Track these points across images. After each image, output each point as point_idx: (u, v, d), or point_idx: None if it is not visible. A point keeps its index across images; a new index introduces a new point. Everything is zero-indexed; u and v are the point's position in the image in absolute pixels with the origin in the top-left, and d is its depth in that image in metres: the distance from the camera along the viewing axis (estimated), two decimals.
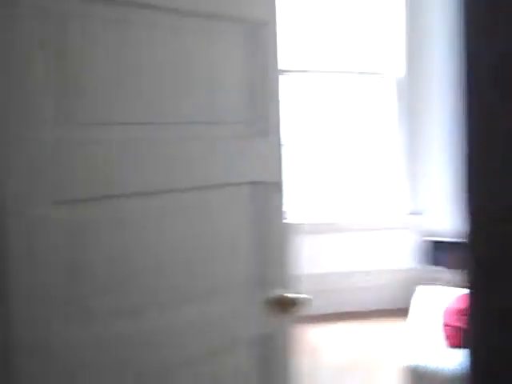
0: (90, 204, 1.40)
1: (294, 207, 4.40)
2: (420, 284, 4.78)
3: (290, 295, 1.79)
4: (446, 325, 3.69)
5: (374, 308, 4.95)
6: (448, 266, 4.90)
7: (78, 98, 1.38)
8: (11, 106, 1.27)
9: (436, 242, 4.92)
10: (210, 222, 1.63)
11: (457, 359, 3.36)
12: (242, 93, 1.68)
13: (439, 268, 4.92)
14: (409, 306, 4.49)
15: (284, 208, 1.82)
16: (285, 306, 1.77)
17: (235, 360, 1.72)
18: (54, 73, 1.33)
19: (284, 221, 1.82)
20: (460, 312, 3.65)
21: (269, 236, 1.77)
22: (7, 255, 1.27)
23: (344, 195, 5.16)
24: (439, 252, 4.91)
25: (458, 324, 3.59)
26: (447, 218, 4.94)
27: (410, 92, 4.87)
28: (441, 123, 4.89)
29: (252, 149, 1.71)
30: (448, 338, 3.59)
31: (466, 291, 3.74)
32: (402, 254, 4.99)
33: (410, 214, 4.97)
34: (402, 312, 4.67)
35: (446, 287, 4.54)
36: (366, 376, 3.91)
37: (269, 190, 1.76)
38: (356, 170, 5.15)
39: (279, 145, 1.80)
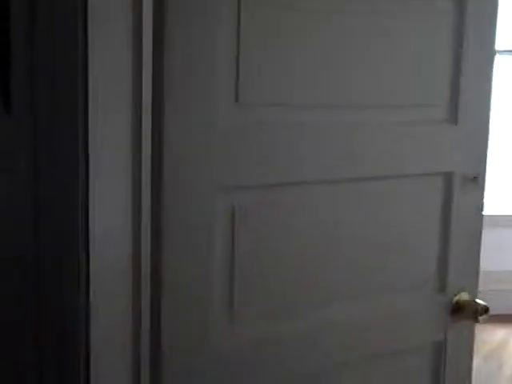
0: (262, 191, 1.29)
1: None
2: None
3: (475, 301, 1.66)
4: None
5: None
6: None
7: (250, 79, 1.26)
8: (189, 83, 1.18)
9: None
10: (396, 216, 1.50)
11: None
12: (443, 73, 1.54)
13: None
14: None
15: (482, 206, 1.68)
16: (468, 312, 1.65)
17: (405, 365, 1.59)
18: (230, 51, 1.23)
19: (480, 221, 1.69)
20: None
21: (459, 235, 1.63)
22: (165, 247, 1.19)
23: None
24: None
25: None
26: None
27: None
28: None
29: (445, 136, 1.57)
30: None
31: None
32: None
33: None
34: None
35: None
36: None
37: (466, 183, 1.62)
38: None
39: (482, 133, 1.65)
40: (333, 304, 1.44)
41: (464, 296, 1.67)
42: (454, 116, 1.58)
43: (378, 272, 1.51)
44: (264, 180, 1.29)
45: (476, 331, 1.71)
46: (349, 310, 1.47)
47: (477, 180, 1.66)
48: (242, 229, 1.28)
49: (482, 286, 1.74)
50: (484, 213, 1.71)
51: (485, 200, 1.71)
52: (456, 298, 1.66)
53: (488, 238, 4.29)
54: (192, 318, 1.23)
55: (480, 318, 1.64)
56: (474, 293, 1.68)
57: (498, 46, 1.67)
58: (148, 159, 1.17)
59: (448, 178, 1.60)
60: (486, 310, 1.64)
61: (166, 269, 1.19)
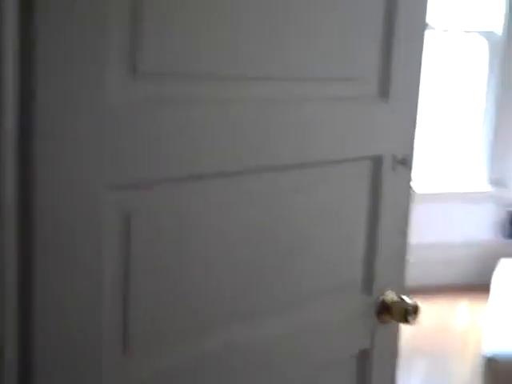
0: (164, 188, 1.02)
1: None
2: (502, 258, 4.41)
3: (403, 300, 1.47)
4: None
5: (452, 282, 4.59)
6: None
7: (152, 42, 0.97)
8: (68, 52, 0.87)
9: None
10: (316, 211, 1.27)
11: None
12: (373, 44, 1.32)
13: None
14: (490, 281, 4.13)
15: (411, 192, 1.48)
16: (396, 313, 1.46)
17: (326, 380, 1.40)
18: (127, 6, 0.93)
19: (409, 208, 1.49)
20: None
21: (387, 226, 1.43)
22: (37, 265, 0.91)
23: (424, 161, 4.76)
24: None
25: None
26: None
27: (505, 53, 4.39)
28: None
29: (375, 114, 1.35)
30: None
31: None
32: (484, 226, 4.60)
33: (493, 183, 4.55)
34: (482, 288, 4.32)
35: None
36: (438, 359, 3.60)
37: (395, 167, 1.40)
38: (438, 133, 4.71)
39: (411, 111, 1.44)
40: (244, 321, 1.19)
41: (391, 295, 1.47)
42: (385, 92, 1.36)
43: (294, 278, 1.28)
44: (168, 174, 1.01)
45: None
46: (261, 327, 1.23)
47: (406, 162, 1.45)
48: (140, 236, 0.99)
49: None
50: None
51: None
52: (382, 298, 1.46)
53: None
54: (74, 352, 0.94)
55: (410, 318, 1.44)
56: (402, 290, 1.48)
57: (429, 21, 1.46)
58: (10, 148, 0.86)
59: (377, 162, 1.39)
60: (415, 309, 1.45)
61: (39, 291, 0.90)
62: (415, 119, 1.48)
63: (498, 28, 4.38)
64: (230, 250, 1.14)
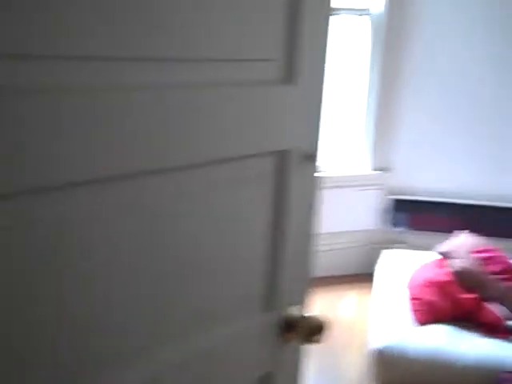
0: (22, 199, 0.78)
1: None
2: (386, 247, 4.39)
3: (309, 317, 1.28)
4: (413, 298, 3.28)
5: (336, 273, 4.53)
6: (413, 227, 4.50)
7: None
8: None
9: (400, 201, 4.48)
10: (211, 218, 1.07)
11: (428, 339, 2.98)
12: (276, 19, 1.10)
13: (403, 229, 4.52)
14: (374, 271, 4.09)
15: (317, 191, 1.29)
16: (300, 332, 1.27)
17: None
18: None
19: (314, 212, 1.30)
20: (429, 283, 3.24)
21: (293, 230, 1.23)
22: None
23: None
24: (404, 212, 4.49)
25: (426, 297, 3.19)
26: (418, 174, 4.53)
27: (388, 32, 4.31)
28: (421, 69, 4.39)
29: (279, 101, 1.14)
30: (416, 313, 3.18)
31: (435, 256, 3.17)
32: (367, 214, 4.54)
33: (377, 169, 4.50)
34: (367, 278, 4.28)
35: (413, 251, 4.16)
36: (327, 354, 3.50)
37: (302, 162, 1.20)
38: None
39: (317, 98, 1.24)
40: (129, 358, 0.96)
41: (295, 311, 1.28)
42: (291, 75, 1.15)
43: (186, 301, 1.07)
44: (25, 184, 0.75)
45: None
46: (148, 362, 0.99)
47: (314, 158, 1.26)
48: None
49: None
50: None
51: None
52: (285, 315, 1.26)
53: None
54: None
55: (315, 338, 1.26)
56: (306, 306, 1.29)
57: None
58: None
59: (283, 158, 1.18)
60: (320, 327, 1.26)
61: None
62: (320, 107, 1.28)
63: (380, 7, 4.29)
64: (107, 272, 0.90)
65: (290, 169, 1.19)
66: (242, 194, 1.12)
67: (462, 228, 4.19)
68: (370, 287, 3.99)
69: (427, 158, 4.49)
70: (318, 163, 1.30)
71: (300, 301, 1.30)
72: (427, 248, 4.12)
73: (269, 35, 1.10)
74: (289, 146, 1.18)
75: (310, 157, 1.23)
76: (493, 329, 3.05)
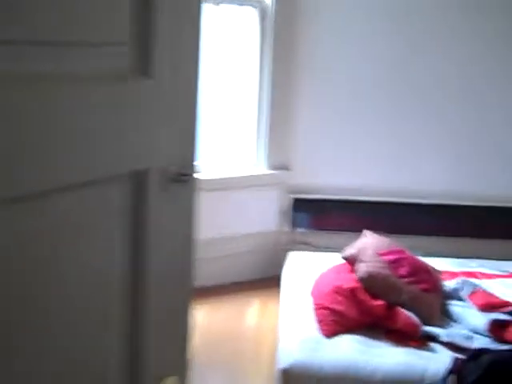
0: None
1: None
2: (290, 249, 4.13)
3: None
4: (318, 307, 3.02)
5: (239, 279, 4.23)
6: (316, 227, 4.28)
7: None
8: None
9: (301, 201, 4.24)
10: (37, 269, 0.74)
11: (338, 353, 2.73)
12: None
13: (306, 230, 4.29)
14: (280, 275, 3.81)
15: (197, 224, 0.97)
16: None
17: None
18: None
19: (193, 242, 0.98)
20: (335, 290, 3.00)
21: (161, 276, 0.91)
22: None
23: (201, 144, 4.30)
24: (305, 211, 4.26)
25: (333, 306, 2.94)
26: (319, 173, 4.31)
27: (277, 25, 4.05)
28: (315, 64, 4.16)
29: (132, 100, 0.81)
30: (322, 324, 2.92)
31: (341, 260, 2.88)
32: (268, 216, 4.28)
33: (275, 168, 4.24)
34: (273, 283, 3.99)
35: (319, 253, 3.93)
36: (232, 373, 3.20)
37: (166, 185, 0.88)
38: (214, 114, 4.26)
39: (186, 97, 0.92)
40: None
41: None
42: (145, 64, 0.82)
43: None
44: None
45: None
46: None
47: (186, 178, 0.94)
48: None
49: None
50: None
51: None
52: None
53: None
54: None
55: None
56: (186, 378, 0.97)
57: None
58: None
59: (139, 180, 0.85)
60: None
61: None
62: (195, 111, 0.96)
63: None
64: None
65: (151, 194, 0.86)
66: (85, 232, 0.78)
67: (366, 226, 4.00)
68: (278, 292, 3.68)
69: (327, 155, 4.28)
70: (195, 182, 0.98)
71: (180, 367, 0.97)
72: (333, 248, 3.89)
73: (114, 12, 0.77)
74: (148, 163, 0.85)
75: (182, 178, 0.91)
76: (407, 336, 2.84)
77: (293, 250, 4.12)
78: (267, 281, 4.15)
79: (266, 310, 3.85)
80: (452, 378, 2.50)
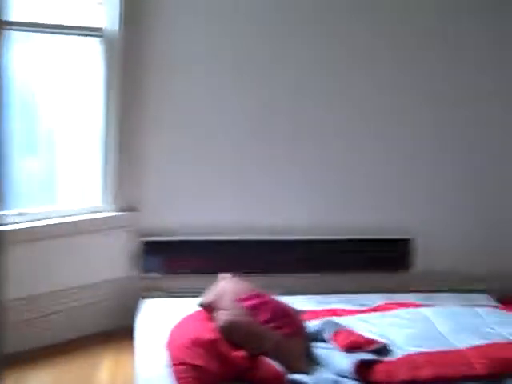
0: None
1: None
2: (143, 296, 3.82)
3: None
4: (175, 363, 2.75)
5: (91, 332, 3.86)
6: (170, 271, 4.01)
7: None
8: None
9: (152, 243, 3.96)
10: None
11: None
12: None
13: (159, 274, 4.01)
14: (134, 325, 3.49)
15: None
16: None
17: None
18: None
19: None
20: (191, 343, 2.75)
21: None
22: None
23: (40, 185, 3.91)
24: (157, 255, 3.98)
25: (190, 361, 2.67)
26: (170, 213, 4.07)
27: (124, 57, 3.77)
28: (163, 100, 3.93)
29: None
30: (180, 381, 2.62)
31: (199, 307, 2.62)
32: (117, 261, 3.95)
33: (124, 210, 3.95)
34: (127, 334, 3.64)
35: (175, 299, 3.66)
36: None
37: None
38: (55, 154, 3.89)
39: None
40: None
41: None
42: None
43: None
44: None
45: None
46: None
47: None
48: None
49: None
50: None
51: None
52: None
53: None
54: None
55: None
56: None
57: None
58: None
59: None
60: None
61: None
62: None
63: (114, 25, 3.73)
64: None
65: None
66: None
67: (222, 266, 3.81)
68: (133, 343, 3.34)
69: (177, 196, 4.05)
70: None
71: None
72: (190, 292, 3.65)
73: None
74: None
75: None
76: None
77: (146, 296, 3.83)
78: (120, 332, 3.81)
79: (120, 366, 3.50)
80: None
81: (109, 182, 3.90)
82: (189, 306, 3.20)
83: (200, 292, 3.26)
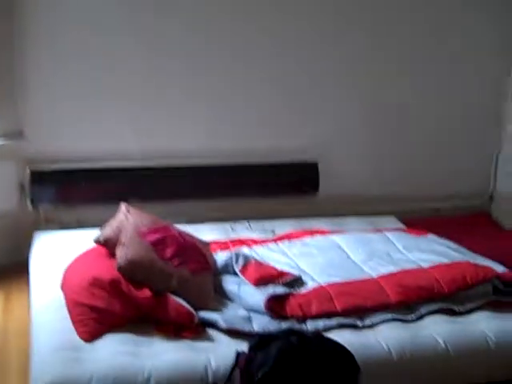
0: None
1: None
2: (35, 229, 3.51)
3: None
4: (72, 304, 2.53)
5: None
6: (62, 202, 3.70)
7: None
8: None
9: (40, 173, 3.61)
10: None
11: (105, 361, 2.28)
12: None
13: (50, 206, 3.69)
14: (26, 262, 3.19)
15: None
16: None
17: None
18: None
19: None
20: (90, 282, 2.52)
21: None
22: None
23: None
24: (47, 185, 3.63)
25: (89, 302, 2.47)
26: (59, 139, 3.71)
27: None
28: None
29: None
30: (79, 325, 2.43)
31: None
32: (5, 193, 3.59)
33: (6, 136, 3.55)
34: (20, 270, 3.33)
35: (70, 232, 3.40)
36: None
37: None
38: None
39: None
40: None
41: None
42: None
43: None
44: None
45: None
46: None
47: None
48: None
49: None
50: None
51: None
52: None
53: None
54: None
55: None
56: None
57: None
58: None
59: None
60: None
61: None
62: None
63: None
64: None
65: None
66: None
67: (122, 195, 3.55)
68: (27, 281, 3.05)
69: (68, 118, 3.66)
70: None
71: None
72: (88, 225, 3.39)
73: None
74: None
75: None
76: (181, 327, 2.47)
77: (40, 230, 3.53)
78: (12, 269, 3.51)
79: (12, 308, 3.22)
80: (237, 373, 2.18)
81: None
82: (86, 239, 2.93)
83: (99, 224, 3.01)
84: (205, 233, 3.35)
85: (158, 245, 2.70)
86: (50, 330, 2.46)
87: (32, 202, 3.61)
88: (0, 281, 3.45)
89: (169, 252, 2.69)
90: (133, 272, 2.55)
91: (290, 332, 2.20)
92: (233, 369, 2.19)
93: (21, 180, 3.61)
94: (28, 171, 3.58)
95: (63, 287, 2.68)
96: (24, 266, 3.14)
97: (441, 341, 2.51)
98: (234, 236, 3.38)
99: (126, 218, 2.83)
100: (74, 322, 2.46)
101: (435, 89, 4.26)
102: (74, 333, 2.42)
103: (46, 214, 3.69)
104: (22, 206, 3.65)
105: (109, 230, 2.81)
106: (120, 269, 2.54)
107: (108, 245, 2.74)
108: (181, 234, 2.88)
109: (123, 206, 3.00)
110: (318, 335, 2.27)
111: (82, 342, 2.37)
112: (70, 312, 2.51)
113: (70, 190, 3.68)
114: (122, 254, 2.60)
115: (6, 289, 3.39)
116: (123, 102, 3.72)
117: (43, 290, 2.77)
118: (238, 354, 2.20)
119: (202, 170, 3.87)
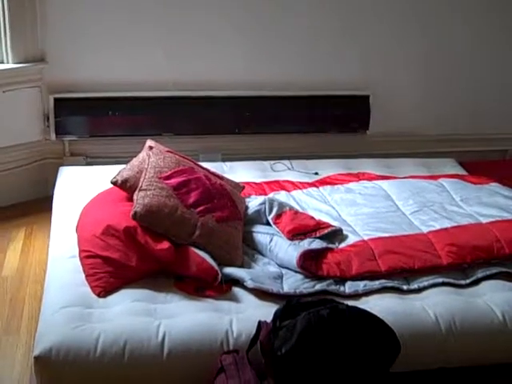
0: None
1: None
2: (62, 164, 3.30)
3: None
4: (85, 255, 2.29)
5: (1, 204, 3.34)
6: (91, 134, 3.44)
7: None
8: None
9: (65, 100, 3.33)
10: None
11: (118, 320, 2.04)
12: None
13: (79, 138, 3.45)
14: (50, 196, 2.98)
15: None
16: None
17: None
18: None
19: None
20: (104, 231, 2.26)
21: None
22: None
23: None
24: (73, 114, 3.36)
25: (103, 253, 2.23)
26: (85, 65, 3.41)
27: None
28: None
29: None
30: (92, 279, 2.20)
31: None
32: (25, 122, 3.34)
33: (28, 61, 3.22)
34: (43, 205, 3.13)
35: (98, 167, 3.16)
36: None
37: None
38: None
39: None
40: None
41: None
42: None
43: None
44: None
45: None
46: None
47: None
48: None
49: None
50: None
51: None
52: None
53: None
54: None
55: None
56: None
57: None
58: None
59: None
60: None
61: None
62: None
63: None
64: None
65: None
66: None
67: (152, 128, 3.28)
68: (49, 217, 2.84)
69: (95, 43, 3.32)
70: None
71: None
72: (115, 159, 3.12)
73: None
74: None
75: None
76: (203, 283, 2.21)
77: (64, 164, 3.31)
78: (37, 205, 3.32)
79: (33, 249, 3.03)
80: (258, 347, 1.92)
81: (2, 28, 3.18)
82: (113, 175, 2.66)
83: (125, 159, 2.74)
84: (240, 172, 3.08)
85: (180, 189, 2.41)
86: (62, 283, 2.24)
87: (57, 133, 3.36)
88: (24, 217, 3.29)
89: (192, 197, 2.40)
90: (150, 220, 2.27)
91: (321, 302, 1.91)
92: (253, 341, 1.92)
93: (45, 109, 3.35)
94: (52, 99, 3.31)
95: (77, 233, 2.44)
96: (49, 201, 2.94)
97: (498, 312, 2.17)
98: (271, 177, 3.07)
99: (148, 158, 2.54)
100: (86, 276, 2.23)
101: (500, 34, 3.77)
102: (87, 286, 2.20)
103: (72, 147, 3.45)
104: (46, 137, 3.41)
105: (128, 171, 2.53)
106: (136, 216, 2.26)
107: (126, 187, 2.47)
108: (208, 175, 2.58)
109: (148, 143, 2.71)
110: (353, 308, 1.95)
111: (94, 298, 2.16)
112: (82, 264, 2.28)
113: (96, 121, 3.41)
114: (138, 199, 2.32)
115: (30, 226, 3.21)
116: (149, 26, 3.36)
117: (62, 233, 2.56)
118: (260, 324, 1.92)
119: (240, 101, 3.52)
